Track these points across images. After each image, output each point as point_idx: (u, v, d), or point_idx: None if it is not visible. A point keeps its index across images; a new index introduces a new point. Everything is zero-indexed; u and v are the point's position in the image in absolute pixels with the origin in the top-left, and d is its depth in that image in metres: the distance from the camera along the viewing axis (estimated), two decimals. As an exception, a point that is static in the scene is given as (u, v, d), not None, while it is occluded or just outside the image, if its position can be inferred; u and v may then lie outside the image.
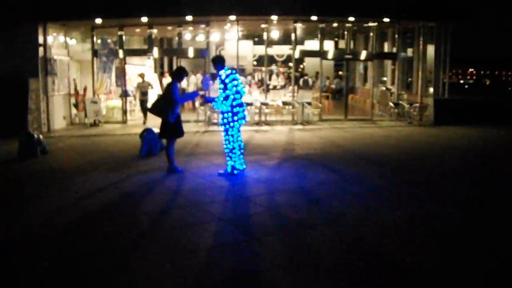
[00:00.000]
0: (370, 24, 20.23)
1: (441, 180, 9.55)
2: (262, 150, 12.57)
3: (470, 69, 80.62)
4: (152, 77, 22.58)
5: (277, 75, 23.15)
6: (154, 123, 16.28)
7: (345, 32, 19.91)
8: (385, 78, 26.04)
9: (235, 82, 9.20)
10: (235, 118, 9.29)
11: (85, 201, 7.72)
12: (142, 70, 20.75)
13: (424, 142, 14.66)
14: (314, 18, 18.19)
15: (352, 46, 21.53)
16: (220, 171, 9.75)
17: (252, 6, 17.06)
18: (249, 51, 24.03)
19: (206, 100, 10.03)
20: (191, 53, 19.33)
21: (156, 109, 9.66)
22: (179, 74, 9.71)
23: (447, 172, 10.38)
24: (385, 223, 6.67)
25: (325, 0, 17.48)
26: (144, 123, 17.44)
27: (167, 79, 23.56)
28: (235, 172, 9.61)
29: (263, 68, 20.51)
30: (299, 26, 19.38)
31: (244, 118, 9.45)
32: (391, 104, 20.45)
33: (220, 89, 9.23)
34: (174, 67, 29.02)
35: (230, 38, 22.54)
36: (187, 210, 7.18)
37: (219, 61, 9.41)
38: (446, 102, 19.85)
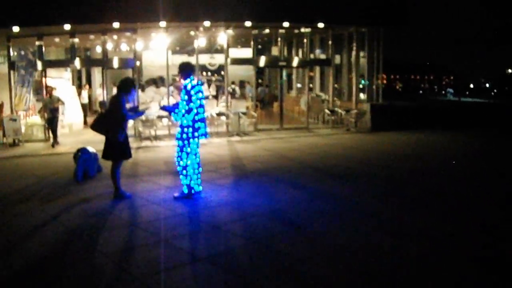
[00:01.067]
0: (303, 30, 19.60)
1: (417, 191, 8.87)
2: (210, 166, 11.37)
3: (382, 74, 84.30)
4: (70, 90, 20.73)
5: (209, 85, 21.90)
6: (70, 140, 14.76)
7: (279, 39, 19.05)
8: (299, 85, 25.73)
9: (200, 95, 8.08)
10: (196, 134, 8.14)
11: (25, 244, 6.22)
12: (60, 82, 18.93)
13: (373, 150, 14.14)
14: (248, 24, 17.27)
15: (285, 53, 20.75)
16: (175, 194, 8.51)
17: (182, 12, 15.90)
18: (172, 60, 22.48)
19: (165, 109, 8.69)
20: (116, 63, 17.70)
21: (101, 126, 8.22)
22: (127, 86, 8.33)
23: (417, 181, 9.76)
24: (396, 251, 5.76)
25: (258, 6, 16.62)
26: (53, 146, 15.22)
27: (86, 92, 21.83)
28: (192, 192, 8.43)
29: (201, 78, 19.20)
30: (230, 33, 18.37)
31: (205, 134, 8.31)
32: (327, 111, 19.88)
33: (182, 100, 8.03)
34: (94, 78, 27.26)
35: (152, 48, 21.20)
36: (156, 249, 5.92)
37: (187, 69, 8.25)
38: (381, 107, 19.58)
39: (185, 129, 8.10)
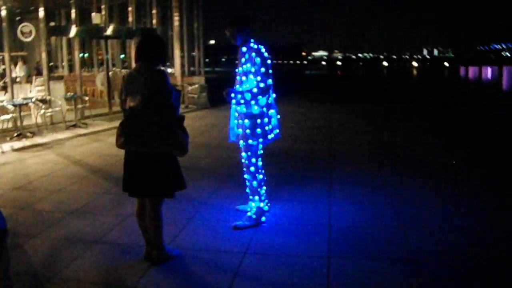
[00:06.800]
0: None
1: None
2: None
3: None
4: None
5: (15, 63, 15.10)
6: None
7: (102, 6, 14.25)
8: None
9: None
10: (267, 128, 4.70)
11: None
12: None
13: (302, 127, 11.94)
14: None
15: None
16: (237, 223, 4.86)
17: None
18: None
19: (233, 95, 4.48)
20: None
21: (141, 134, 3.74)
22: (162, 50, 4.02)
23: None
24: None
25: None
26: None
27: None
28: (263, 219, 4.94)
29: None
30: None
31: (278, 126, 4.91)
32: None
33: (256, 74, 4.42)
34: None
35: None
36: None
37: (247, 24, 4.52)
38: (213, 81, 16.88)
39: (258, 120, 4.56)
